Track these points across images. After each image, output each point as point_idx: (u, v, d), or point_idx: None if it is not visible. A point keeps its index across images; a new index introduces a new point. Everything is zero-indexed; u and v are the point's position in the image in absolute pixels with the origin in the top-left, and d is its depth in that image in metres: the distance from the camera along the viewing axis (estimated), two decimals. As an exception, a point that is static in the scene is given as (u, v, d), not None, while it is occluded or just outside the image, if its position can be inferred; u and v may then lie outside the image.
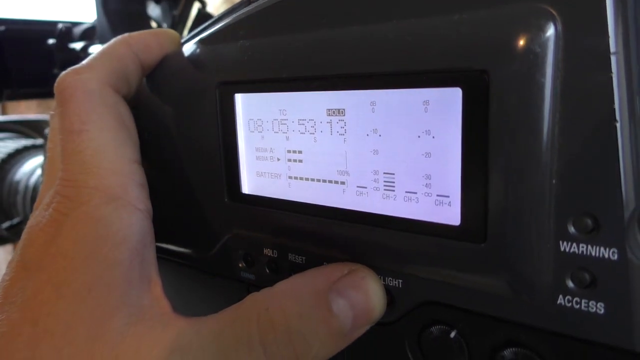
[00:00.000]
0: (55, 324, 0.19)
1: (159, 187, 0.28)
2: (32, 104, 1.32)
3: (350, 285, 0.19)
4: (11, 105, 1.36)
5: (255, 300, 0.20)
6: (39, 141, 0.72)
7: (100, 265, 0.20)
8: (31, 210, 0.62)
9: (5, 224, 0.66)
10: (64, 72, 0.24)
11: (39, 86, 0.55)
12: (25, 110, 1.32)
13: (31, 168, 0.64)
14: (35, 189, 0.60)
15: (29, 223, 0.23)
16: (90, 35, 0.56)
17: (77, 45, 0.52)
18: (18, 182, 0.63)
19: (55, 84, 0.23)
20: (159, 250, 0.30)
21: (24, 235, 0.22)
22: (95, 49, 0.52)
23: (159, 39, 0.26)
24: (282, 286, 0.20)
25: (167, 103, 0.27)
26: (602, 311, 0.15)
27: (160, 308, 0.21)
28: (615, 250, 0.15)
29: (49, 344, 0.19)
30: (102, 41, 0.53)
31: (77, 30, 0.57)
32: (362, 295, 0.19)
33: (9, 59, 0.54)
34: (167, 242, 0.29)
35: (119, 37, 0.26)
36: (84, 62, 0.24)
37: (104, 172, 0.22)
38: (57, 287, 0.20)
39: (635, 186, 0.14)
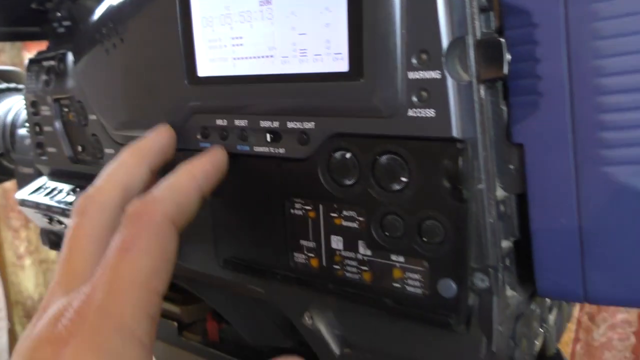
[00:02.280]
0: None
1: (130, 84, 0.35)
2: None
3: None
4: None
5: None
6: (12, 85, 0.76)
7: None
8: (10, 146, 0.66)
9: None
10: (137, 199, 0.26)
11: (20, 24, 0.59)
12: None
13: (8, 107, 0.68)
14: (12, 125, 0.65)
15: (34, 330, 0.24)
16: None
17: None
18: (-5, 121, 0.68)
19: (126, 209, 0.25)
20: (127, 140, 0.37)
21: (27, 342, 0.23)
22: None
23: (217, 165, 0.30)
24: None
25: (134, 14, 0.33)
26: (433, 115, 0.23)
27: None
28: (439, 72, 0.22)
29: None
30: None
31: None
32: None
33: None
34: (135, 129, 0.36)
35: (185, 168, 0.28)
36: (155, 191, 0.26)
37: (127, 300, 0.23)
38: None
39: (450, 26, 0.22)
